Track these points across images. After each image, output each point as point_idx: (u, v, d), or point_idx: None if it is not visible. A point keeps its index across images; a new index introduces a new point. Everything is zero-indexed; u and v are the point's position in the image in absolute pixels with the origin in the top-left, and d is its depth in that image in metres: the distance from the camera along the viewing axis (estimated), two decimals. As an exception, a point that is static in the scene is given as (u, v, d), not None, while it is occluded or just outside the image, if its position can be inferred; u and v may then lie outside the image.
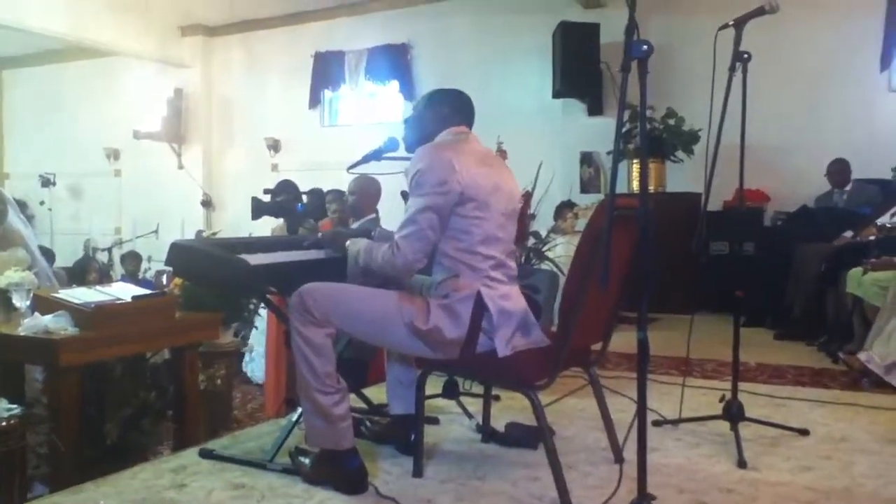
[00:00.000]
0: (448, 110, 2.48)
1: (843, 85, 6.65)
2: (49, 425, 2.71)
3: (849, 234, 5.25)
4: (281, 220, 5.39)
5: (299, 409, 2.70)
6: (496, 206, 2.35)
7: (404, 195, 2.37)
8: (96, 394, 3.01)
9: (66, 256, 9.04)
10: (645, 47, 1.86)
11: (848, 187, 5.99)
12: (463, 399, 3.25)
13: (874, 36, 6.51)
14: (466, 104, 2.53)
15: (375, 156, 2.80)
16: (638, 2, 1.89)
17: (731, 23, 2.76)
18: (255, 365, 5.78)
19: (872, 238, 4.83)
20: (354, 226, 4.22)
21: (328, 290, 2.35)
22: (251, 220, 3.19)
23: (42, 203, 9.91)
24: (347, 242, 2.48)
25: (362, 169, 2.87)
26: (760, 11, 2.73)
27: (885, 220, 4.90)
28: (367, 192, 4.28)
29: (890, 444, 2.83)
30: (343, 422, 2.34)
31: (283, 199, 3.33)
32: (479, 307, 2.27)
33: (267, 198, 3.39)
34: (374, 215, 4.31)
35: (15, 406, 2.49)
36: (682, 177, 6.60)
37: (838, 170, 6.04)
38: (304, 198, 4.71)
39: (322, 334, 2.31)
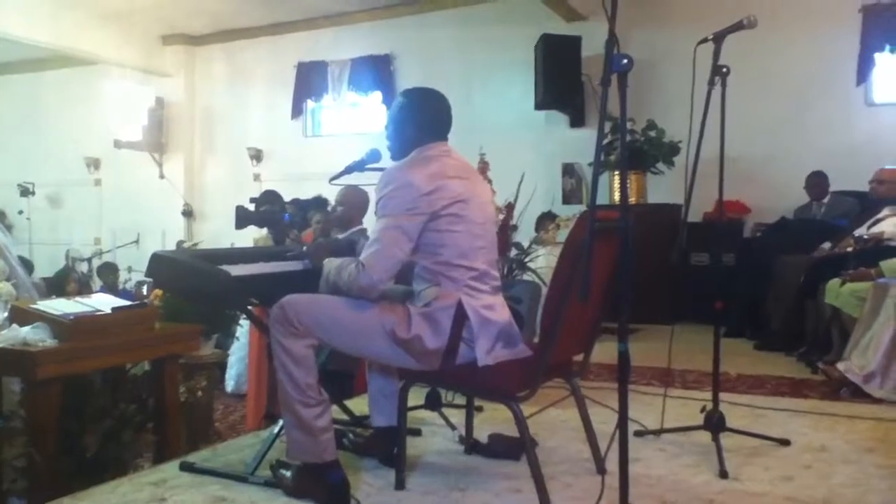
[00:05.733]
0: (428, 119, 2.46)
1: (821, 99, 6.73)
2: (27, 438, 2.67)
3: (827, 245, 5.30)
4: (265, 231, 5.34)
5: (280, 422, 2.69)
6: (472, 218, 2.35)
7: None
8: (75, 406, 2.96)
9: (45, 267, 8.94)
10: (625, 61, 1.88)
11: (826, 199, 6.06)
12: (445, 410, 3.24)
13: (851, 51, 6.60)
14: (445, 111, 2.49)
15: (358, 167, 2.80)
16: (618, 16, 1.91)
17: (710, 37, 2.80)
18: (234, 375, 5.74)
19: (850, 250, 4.88)
20: (341, 236, 4.20)
21: (309, 301, 2.35)
22: (235, 230, 3.17)
23: (20, 212, 9.79)
24: (325, 261, 2.47)
25: (345, 180, 2.87)
26: (739, 26, 2.76)
27: (862, 231, 4.95)
28: (354, 203, 4.27)
29: (868, 454, 2.86)
30: (325, 434, 2.33)
31: (266, 209, 3.30)
32: (460, 316, 2.28)
33: (253, 207, 3.37)
34: (362, 226, 4.29)
35: (-8, 419, 2.45)
36: (662, 188, 6.65)
37: (816, 182, 6.11)
38: (287, 208, 4.67)
39: (303, 345, 2.30)
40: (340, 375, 2.54)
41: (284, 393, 2.33)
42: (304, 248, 2.80)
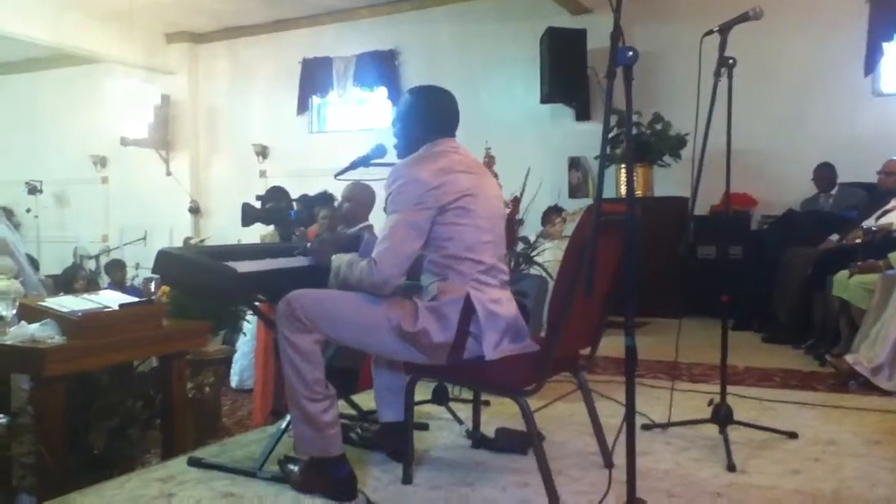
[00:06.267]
0: (434, 117, 2.47)
1: (829, 90, 6.70)
2: (35, 435, 2.68)
3: (835, 237, 5.28)
4: (271, 228, 5.36)
5: (288, 417, 2.69)
6: (480, 212, 2.35)
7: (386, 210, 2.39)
8: (83, 403, 2.98)
9: (53, 264, 8.97)
10: (630, 54, 1.87)
11: (834, 191, 6.04)
12: (452, 405, 3.24)
13: (858, 41, 6.56)
14: (452, 107, 2.51)
15: (363, 162, 2.80)
16: (624, 8, 1.90)
17: (716, 29, 2.79)
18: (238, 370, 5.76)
19: (858, 241, 4.86)
20: (348, 232, 4.20)
21: (316, 296, 2.35)
22: (242, 227, 3.17)
23: (28, 210, 9.84)
24: (333, 256, 2.47)
25: (350, 175, 2.87)
26: (745, 17, 2.75)
27: (870, 223, 4.93)
28: (362, 199, 4.27)
29: (877, 446, 2.85)
30: (331, 429, 2.33)
31: (272, 206, 3.31)
32: (468, 310, 2.28)
33: (258, 204, 3.40)
34: (368, 222, 4.29)
35: (0, 416, 2.46)
36: (669, 181, 6.63)
37: (824, 174, 6.08)
38: (295, 205, 4.69)
39: (310, 340, 2.31)
40: (345, 371, 2.55)
41: (291, 388, 2.33)
42: (308, 244, 2.80)
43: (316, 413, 2.31)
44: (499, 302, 2.36)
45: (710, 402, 2.93)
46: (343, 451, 2.37)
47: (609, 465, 2.52)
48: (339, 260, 2.41)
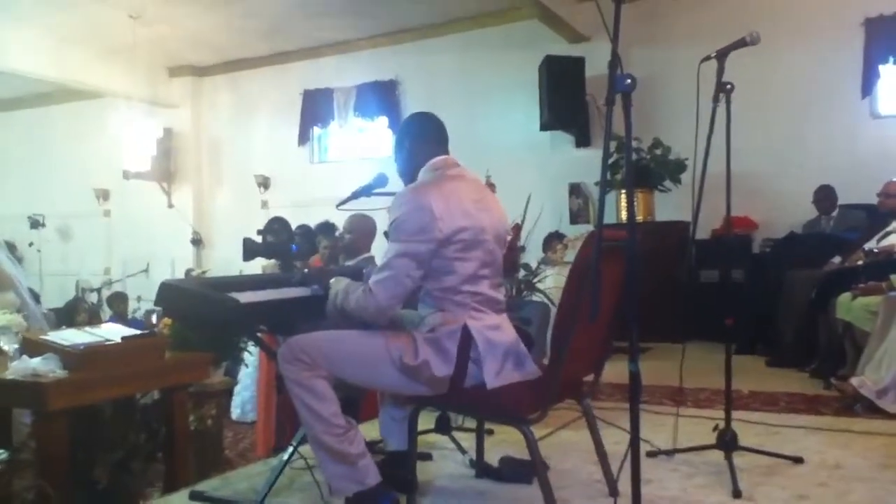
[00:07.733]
0: (427, 134, 2.52)
1: (826, 112, 6.74)
2: (37, 470, 2.66)
3: (837, 259, 5.28)
4: (273, 259, 5.36)
5: (290, 448, 2.68)
6: (483, 244, 2.35)
7: (387, 235, 2.38)
8: (85, 437, 2.97)
9: (55, 297, 8.97)
10: (629, 81, 1.88)
11: (834, 213, 6.05)
12: (456, 434, 3.22)
13: (854, 64, 6.62)
14: (438, 123, 2.56)
15: (365, 192, 2.81)
16: (621, 35, 1.92)
17: (713, 55, 2.81)
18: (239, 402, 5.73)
19: (860, 263, 4.85)
20: (349, 264, 4.20)
21: (314, 339, 2.33)
22: (243, 262, 3.18)
23: (31, 244, 9.86)
24: (331, 280, 2.47)
25: (351, 205, 2.87)
26: (742, 43, 2.77)
27: (871, 244, 4.93)
28: (363, 231, 4.28)
29: (885, 470, 2.82)
30: (362, 459, 2.29)
31: (275, 240, 3.31)
32: (466, 340, 2.27)
33: (259, 238, 3.40)
34: (369, 254, 4.30)
35: (1, 451, 2.45)
36: (670, 206, 6.64)
37: (824, 196, 6.10)
38: (296, 238, 4.68)
39: (319, 378, 2.28)
40: (345, 401, 2.53)
41: (311, 430, 2.29)
42: (306, 270, 2.79)
43: (342, 447, 2.26)
44: (497, 328, 2.35)
45: (716, 428, 2.90)
46: (380, 478, 2.31)
47: (614, 493, 2.49)
48: (337, 286, 2.40)
